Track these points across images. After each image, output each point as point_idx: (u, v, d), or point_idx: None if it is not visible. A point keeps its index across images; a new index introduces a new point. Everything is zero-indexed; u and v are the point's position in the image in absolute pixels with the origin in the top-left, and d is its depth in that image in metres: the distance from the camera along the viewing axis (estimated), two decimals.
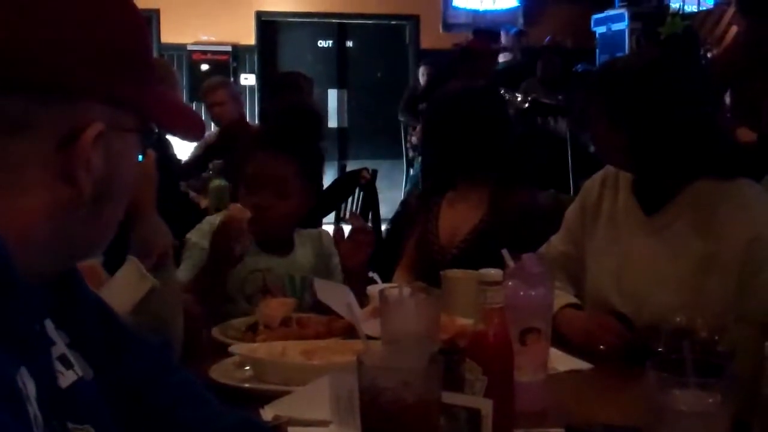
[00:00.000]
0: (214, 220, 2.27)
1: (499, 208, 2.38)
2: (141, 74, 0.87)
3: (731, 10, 6.15)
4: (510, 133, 2.52)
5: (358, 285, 1.94)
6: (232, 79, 8.53)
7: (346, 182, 4.88)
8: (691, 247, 1.82)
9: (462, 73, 5.85)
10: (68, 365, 0.86)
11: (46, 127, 0.79)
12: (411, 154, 7.93)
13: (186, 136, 0.97)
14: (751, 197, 1.81)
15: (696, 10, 7.56)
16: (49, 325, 0.86)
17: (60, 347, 0.86)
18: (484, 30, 7.49)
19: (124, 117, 0.85)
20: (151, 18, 8.44)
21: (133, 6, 0.90)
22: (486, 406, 1.17)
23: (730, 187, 1.82)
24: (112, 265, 1.58)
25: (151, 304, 1.53)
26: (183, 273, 2.14)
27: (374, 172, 4.68)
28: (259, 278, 2.24)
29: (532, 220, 2.31)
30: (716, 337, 1.27)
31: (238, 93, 5.78)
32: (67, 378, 0.84)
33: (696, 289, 1.78)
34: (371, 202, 4.62)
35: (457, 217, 2.46)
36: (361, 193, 4.68)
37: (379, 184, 4.76)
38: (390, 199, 7.38)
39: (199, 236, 2.24)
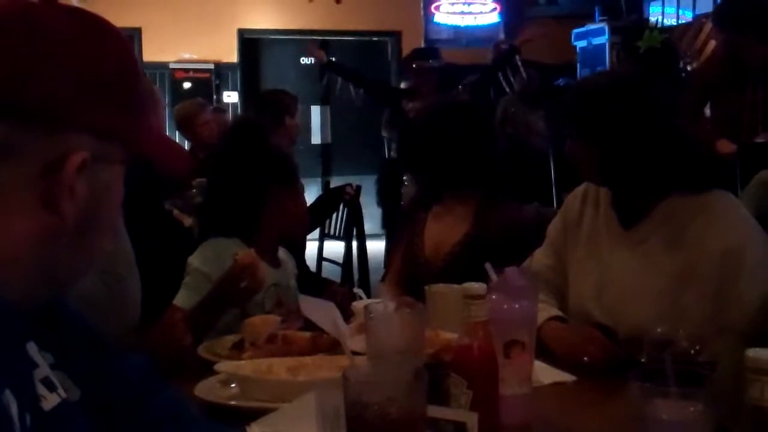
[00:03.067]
0: (217, 247, 2.26)
1: (484, 222, 2.40)
2: (128, 106, 0.87)
3: (710, 23, 6.22)
4: (495, 146, 2.53)
5: None
6: (214, 96, 8.55)
7: (329, 199, 4.90)
8: (667, 261, 1.84)
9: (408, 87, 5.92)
10: (52, 388, 0.86)
11: (30, 153, 0.79)
12: None
13: (171, 169, 0.97)
14: (722, 209, 1.84)
15: (675, 24, 7.64)
16: (32, 347, 0.86)
17: (43, 369, 0.86)
18: (422, 48, 7.49)
19: (110, 148, 0.85)
20: (133, 37, 8.44)
21: (121, 38, 0.90)
22: (471, 420, 1.18)
23: (703, 200, 1.84)
24: None
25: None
26: (182, 299, 2.15)
27: (358, 188, 4.70)
28: (273, 293, 2.27)
29: (517, 235, 2.32)
30: (697, 347, 1.28)
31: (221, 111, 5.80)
32: (50, 401, 0.84)
33: (674, 301, 1.79)
34: (356, 218, 4.63)
35: (443, 232, 2.47)
36: (345, 209, 4.69)
37: (363, 200, 4.77)
38: (374, 214, 7.39)
39: (200, 262, 2.24)
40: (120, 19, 7.83)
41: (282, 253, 2.43)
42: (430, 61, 5.56)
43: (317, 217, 4.53)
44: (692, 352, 1.28)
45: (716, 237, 1.79)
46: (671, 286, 1.81)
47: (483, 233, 2.37)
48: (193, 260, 2.26)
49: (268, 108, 4.45)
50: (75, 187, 0.81)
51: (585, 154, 1.90)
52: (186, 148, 5.13)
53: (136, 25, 8.51)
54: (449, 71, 5.78)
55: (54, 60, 0.81)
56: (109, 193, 0.87)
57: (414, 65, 5.54)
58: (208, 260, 2.21)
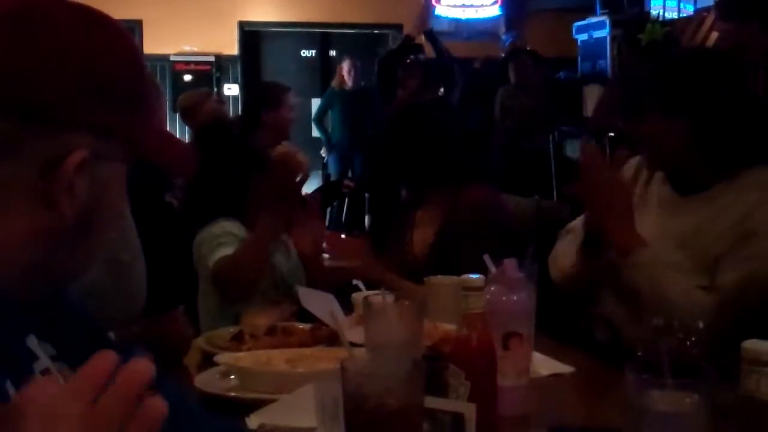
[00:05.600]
0: (224, 223, 2.32)
1: (453, 211, 2.41)
2: (131, 105, 0.87)
3: (711, 17, 6.21)
4: (457, 141, 2.54)
5: (315, 269, 2.22)
6: (215, 89, 8.54)
7: (327, 192, 4.89)
8: (717, 227, 1.81)
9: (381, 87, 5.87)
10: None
11: (30, 151, 0.80)
12: None
13: (175, 170, 0.98)
14: None
15: (676, 17, 7.62)
16: (31, 339, 0.86)
17: (44, 361, 0.87)
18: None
19: (111, 146, 0.85)
20: (134, 29, 8.43)
21: (125, 35, 0.90)
22: (470, 411, 1.18)
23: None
24: None
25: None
26: (226, 249, 2.23)
27: (357, 181, 4.70)
28: (271, 275, 2.33)
29: (485, 217, 2.33)
30: (693, 339, 1.29)
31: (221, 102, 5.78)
32: None
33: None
34: (358, 211, 4.64)
35: (425, 227, 2.50)
36: (347, 200, 4.70)
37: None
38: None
39: (223, 229, 2.31)
40: (121, 11, 7.80)
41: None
42: (420, 56, 5.55)
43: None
44: (688, 343, 1.29)
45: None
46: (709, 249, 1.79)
47: (452, 221, 2.39)
48: (217, 228, 2.31)
49: (245, 105, 4.41)
50: (75, 185, 0.81)
51: (670, 133, 1.85)
52: (189, 138, 5.13)
53: (136, 17, 8.49)
54: (437, 65, 5.76)
55: (54, 57, 0.81)
56: (109, 191, 0.86)
57: (407, 60, 5.51)
58: (227, 229, 2.31)
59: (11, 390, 0.74)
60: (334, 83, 8.12)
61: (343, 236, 2.31)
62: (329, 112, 8.06)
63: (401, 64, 5.41)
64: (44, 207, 0.81)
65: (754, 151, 1.84)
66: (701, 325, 1.34)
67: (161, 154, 0.93)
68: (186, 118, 5.34)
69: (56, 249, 0.84)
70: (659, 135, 1.89)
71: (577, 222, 2.04)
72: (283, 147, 2.18)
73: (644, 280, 1.78)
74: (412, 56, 5.46)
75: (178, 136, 6.01)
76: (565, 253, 2.01)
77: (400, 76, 5.33)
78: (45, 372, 0.86)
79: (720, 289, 1.73)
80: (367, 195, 5.15)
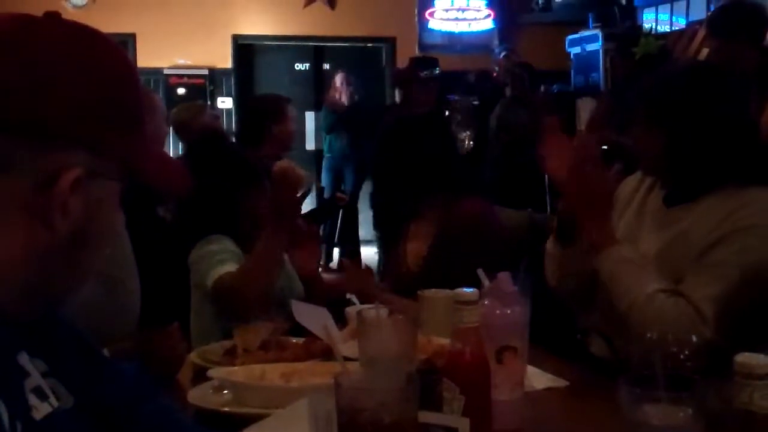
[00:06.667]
0: (218, 238, 2.31)
1: (447, 223, 2.42)
2: (125, 123, 0.87)
3: (703, 30, 6.25)
4: (451, 154, 2.55)
5: (316, 291, 2.21)
6: (209, 102, 8.54)
7: (323, 209, 4.89)
8: (694, 241, 1.82)
9: (403, 99, 5.88)
10: (43, 397, 0.86)
11: (25, 168, 0.80)
12: None
13: (168, 190, 0.98)
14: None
15: (668, 30, 7.66)
16: (23, 357, 0.86)
17: (35, 379, 0.86)
18: (422, 57, 7.47)
19: (106, 165, 0.85)
20: (128, 42, 8.43)
21: (122, 55, 0.90)
22: (464, 425, 1.18)
23: (753, 193, 1.80)
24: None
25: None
26: (229, 266, 2.21)
27: (351, 194, 4.70)
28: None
29: (479, 228, 2.34)
30: (686, 352, 1.29)
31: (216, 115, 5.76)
32: (41, 410, 0.84)
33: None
34: (352, 224, 4.64)
35: (420, 240, 2.51)
36: (341, 211, 4.70)
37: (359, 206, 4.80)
38: (369, 220, 7.40)
39: (222, 246, 2.30)
40: (114, 24, 7.84)
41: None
42: (435, 70, 5.55)
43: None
44: (681, 356, 1.29)
45: (737, 221, 1.77)
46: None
47: (446, 235, 2.40)
48: (202, 247, 2.30)
49: (249, 118, 4.37)
50: (69, 203, 0.81)
51: (650, 141, 1.89)
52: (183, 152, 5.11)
53: (130, 30, 8.50)
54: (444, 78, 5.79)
55: (50, 75, 0.81)
56: (103, 209, 0.86)
57: (422, 75, 5.50)
58: (223, 242, 2.30)
59: (2, 408, 0.74)
60: (328, 98, 8.14)
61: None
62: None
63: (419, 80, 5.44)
64: (38, 224, 0.81)
65: (734, 167, 1.84)
66: (694, 338, 1.35)
67: (156, 174, 0.93)
68: (180, 132, 5.32)
69: (51, 266, 0.83)
70: (640, 144, 1.93)
71: None
72: (283, 162, 2.19)
73: (609, 275, 1.81)
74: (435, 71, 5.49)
75: (171, 151, 6.03)
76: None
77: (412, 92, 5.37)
78: (36, 390, 0.85)
79: (695, 301, 1.72)
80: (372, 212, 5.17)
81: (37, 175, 0.80)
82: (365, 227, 7.64)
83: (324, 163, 7.99)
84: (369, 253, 5.24)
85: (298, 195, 2.24)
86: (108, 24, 7.34)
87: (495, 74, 7.67)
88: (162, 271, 2.33)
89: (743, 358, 1.01)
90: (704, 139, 1.83)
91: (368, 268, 2.59)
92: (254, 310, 2.11)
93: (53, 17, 0.86)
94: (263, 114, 4.18)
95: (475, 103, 6.97)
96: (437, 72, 5.53)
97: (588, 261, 1.88)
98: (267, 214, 2.19)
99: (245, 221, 2.34)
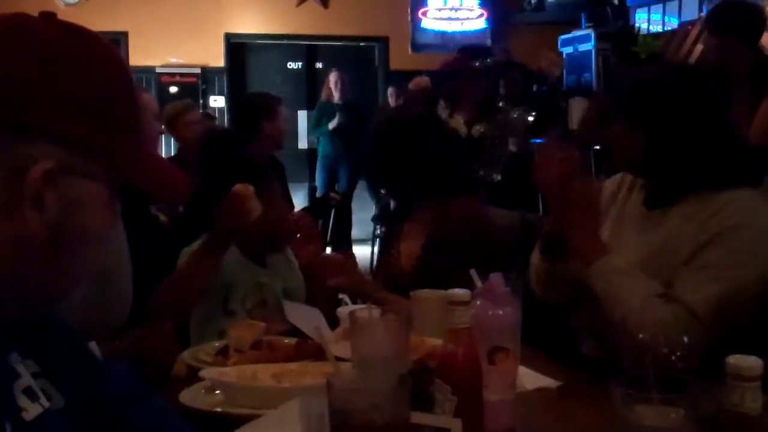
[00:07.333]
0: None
1: (441, 223, 2.42)
2: (118, 128, 0.86)
3: (695, 30, 6.27)
4: (444, 154, 2.55)
5: (317, 284, 2.22)
6: (201, 101, 8.53)
7: (314, 209, 4.90)
8: (677, 243, 1.83)
9: (444, 95, 5.81)
10: (34, 398, 0.85)
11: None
12: None
13: (163, 197, 0.97)
14: (747, 204, 1.81)
15: (661, 30, 7.68)
16: (13, 357, 0.85)
17: (25, 379, 0.85)
18: (469, 47, 7.31)
19: (87, 163, 0.84)
20: (120, 41, 8.41)
21: (119, 61, 0.89)
22: (456, 426, 1.18)
23: (731, 194, 1.81)
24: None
25: None
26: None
27: (345, 193, 4.71)
28: (258, 291, 2.32)
29: (474, 229, 2.34)
30: (678, 353, 1.29)
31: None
32: (31, 412, 0.84)
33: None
34: (345, 223, 4.64)
35: (413, 240, 2.50)
36: (333, 211, 4.70)
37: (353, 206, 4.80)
38: (362, 220, 7.40)
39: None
40: (107, 23, 7.82)
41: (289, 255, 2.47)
42: (488, 60, 5.50)
43: None
44: (673, 358, 1.29)
45: (722, 221, 1.78)
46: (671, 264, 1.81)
47: (441, 233, 2.39)
48: (193, 245, 2.31)
49: (243, 114, 4.42)
50: (43, 196, 0.80)
51: (629, 142, 1.90)
52: (174, 150, 5.10)
53: (122, 29, 8.49)
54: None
55: (30, 69, 0.80)
56: (84, 211, 0.84)
57: (476, 63, 5.43)
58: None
59: None
60: (323, 96, 8.15)
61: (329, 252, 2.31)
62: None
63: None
64: (8, 217, 0.79)
65: (713, 170, 1.85)
66: (686, 339, 1.35)
67: (151, 180, 0.92)
68: (168, 129, 5.32)
69: (28, 264, 0.82)
70: (620, 142, 1.94)
71: None
72: (242, 187, 2.16)
73: (602, 287, 1.81)
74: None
75: (163, 149, 6.00)
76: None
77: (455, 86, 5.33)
78: (27, 390, 0.85)
79: (689, 303, 1.73)
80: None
81: (7, 166, 0.79)
82: (358, 227, 7.66)
83: (318, 163, 8.01)
84: (362, 253, 5.24)
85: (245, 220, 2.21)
86: (100, 22, 7.34)
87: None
88: (155, 268, 2.32)
89: (734, 359, 1.02)
90: (683, 142, 1.84)
91: (348, 258, 2.58)
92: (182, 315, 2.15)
93: (49, 17, 0.86)
94: (255, 111, 4.22)
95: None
96: (489, 61, 5.47)
97: (575, 275, 1.89)
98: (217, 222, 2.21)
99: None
